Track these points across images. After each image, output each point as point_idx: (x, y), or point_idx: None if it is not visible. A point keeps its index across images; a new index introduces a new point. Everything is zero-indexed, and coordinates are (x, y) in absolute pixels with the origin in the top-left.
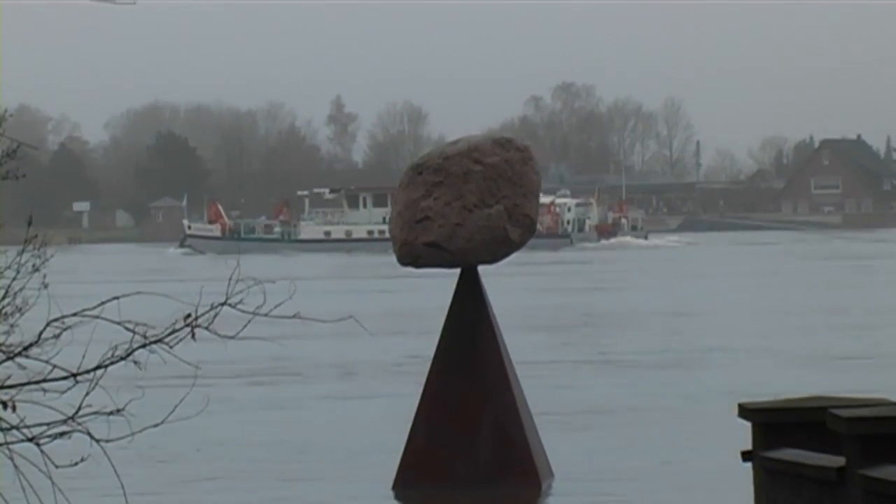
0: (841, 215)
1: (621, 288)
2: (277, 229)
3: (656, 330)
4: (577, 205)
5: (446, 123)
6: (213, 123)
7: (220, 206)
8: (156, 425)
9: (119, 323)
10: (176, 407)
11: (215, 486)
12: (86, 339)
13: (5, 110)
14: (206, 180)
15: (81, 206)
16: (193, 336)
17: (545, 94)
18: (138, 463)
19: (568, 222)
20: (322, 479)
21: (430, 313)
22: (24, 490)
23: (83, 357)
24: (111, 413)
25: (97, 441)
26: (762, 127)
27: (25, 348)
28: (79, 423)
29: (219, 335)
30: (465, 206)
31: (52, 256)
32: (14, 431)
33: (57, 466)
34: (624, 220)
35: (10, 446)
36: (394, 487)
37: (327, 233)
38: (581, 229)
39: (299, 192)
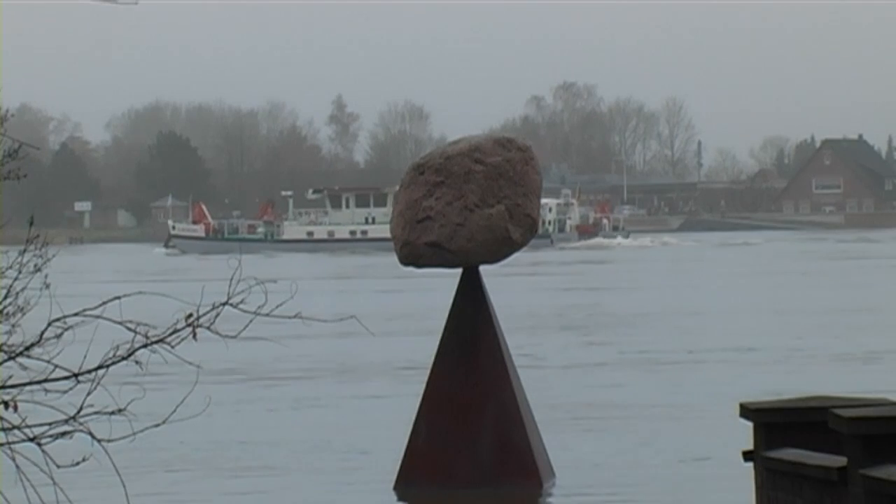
0: (842, 215)
1: (611, 288)
2: (261, 229)
3: (659, 329)
4: (558, 205)
5: (448, 123)
6: (215, 123)
7: (204, 207)
8: (157, 425)
9: (120, 323)
10: (177, 407)
11: (216, 486)
12: (87, 339)
13: (6, 110)
14: (208, 180)
15: (83, 205)
16: (195, 336)
17: (546, 93)
18: (139, 463)
19: (549, 223)
20: (322, 478)
21: (431, 313)
22: (25, 490)
23: (85, 357)
24: (113, 413)
25: (99, 441)
26: (763, 127)
27: (27, 348)
28: (80, 423)
29: (220, 335)
30: (467, 205)
31: (53, 256)
32: (16, 431)
33: (59, 466)
34: (605, 221)
35: (12, 446)
36: (394, 487)
37: (310, 233)
38: (562, 230)
39: (283, 193)
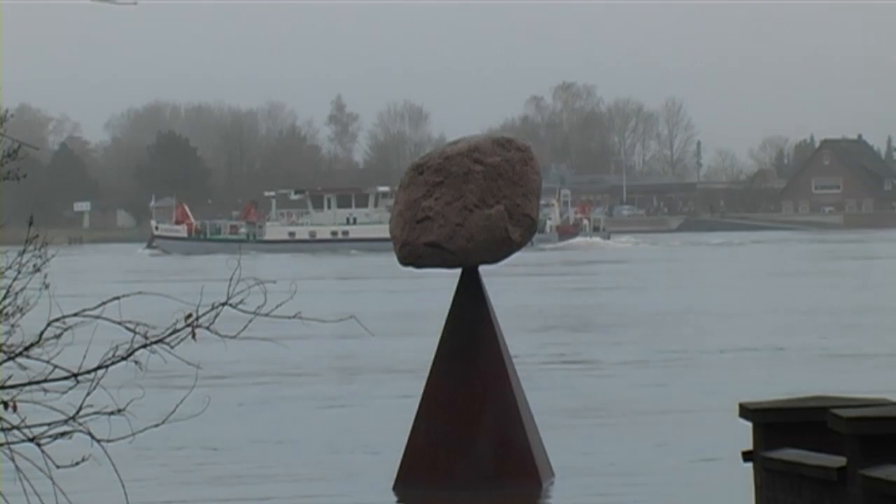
0: (841, 216)
1: (599, 288)
2: (243, 230)
3: (658, 329)
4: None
5: (447, 123)
6: (214, 123)
7: (186, 207)
8: (157, 425)
9: (120, 323)
10: (177, 407)
11: (216, 486)
12: (87, 339)
13: (6, 110)
14: (207, 180)
15: (82, 206)
16: (194, 336)
17: (546, 94)
18: (140, 463)
19: None
20: (322, 478)
21: (430, 314)
22: (24, 490)
23: (84, 357)
24: (112, 413)
25: (98, 441)
26: (763, 127)
27: (26, 348)
28: (80, 424)
29: (220, 335)
30: (466, 206)
31: (53, 257)
32: (15, 431)
33: (58, 467)
34: (585, 221)
35: (11, 446)
36: (394, 487)
37: (291, 233)
38: (542, 230)
39: (266, 193)
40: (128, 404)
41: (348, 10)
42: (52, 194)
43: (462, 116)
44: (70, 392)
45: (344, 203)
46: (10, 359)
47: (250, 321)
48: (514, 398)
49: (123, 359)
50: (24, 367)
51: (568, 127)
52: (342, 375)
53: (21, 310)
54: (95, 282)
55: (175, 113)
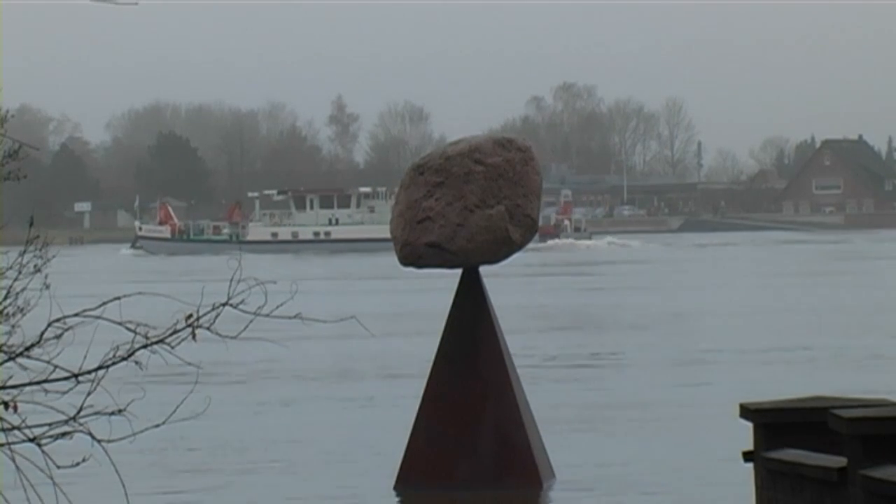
0: (842, 216)
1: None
2: (226, 231)
3: (657, 329)
4: None
5: (447, 124)
6: (215, 124)
7: (169, 208)
8: (157, 426)
9: (120, 323)
10: (177, 407)
11: (216, 487)
12: (87, 340)
13: (6, 111)
14: (207, 181)
15: (83, 206)
16: (194, 336)
17: (546, 94)
18: (140, 463)
19: None
20: (322, 478)
21: (431, 314)
22: (25, 491)
23: (85, 357)
24: (113, 413)
25: (99, 441)
26: (763, 127)
27: (27, 349)
28: (80, 424)
29: (220, 335)
30: (467, 206)
31: (53, 257)
32: (16, 432)
33: (59, 467)
34: (567, 222)
35: (12, 447)
36: (395, 487)
37: (274, 234)
38: None
39: (250, 194)
40: (128, 405)
41: (348, 10)
42: (53, 195)
43: (463, 117)
44: (70, 392)
45: (326, 204)
46: (10, 359)
47: (251, 321)
48: (514, 398)
49: (124, 359)
50: (24, 368)
51: (568, 127)
52: (342, 375)
53: (22, 310)
54: (74, 283)
55: (175, 113)
